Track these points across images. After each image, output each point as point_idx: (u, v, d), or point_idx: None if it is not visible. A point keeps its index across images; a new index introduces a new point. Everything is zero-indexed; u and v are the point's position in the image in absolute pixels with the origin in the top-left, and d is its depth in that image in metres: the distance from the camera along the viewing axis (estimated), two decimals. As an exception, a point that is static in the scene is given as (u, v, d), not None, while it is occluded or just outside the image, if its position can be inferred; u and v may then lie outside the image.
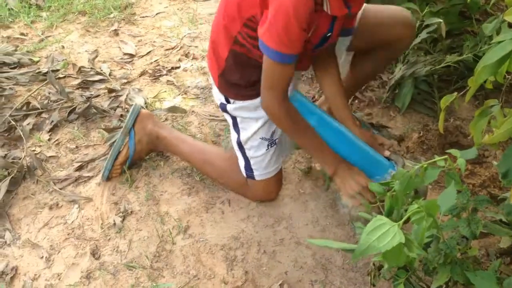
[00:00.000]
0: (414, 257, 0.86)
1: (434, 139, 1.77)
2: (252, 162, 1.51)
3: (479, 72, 0.88)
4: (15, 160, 1.76)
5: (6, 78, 2.12)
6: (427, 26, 1.82)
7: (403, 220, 0.82)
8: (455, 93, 1.18)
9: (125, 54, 2.30)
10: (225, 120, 1.90)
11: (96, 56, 2.27)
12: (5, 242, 1.55)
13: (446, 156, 0.95)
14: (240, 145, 1.51)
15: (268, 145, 1.49)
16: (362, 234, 0.81)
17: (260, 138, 1.47)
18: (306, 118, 1.37)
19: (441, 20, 1.78)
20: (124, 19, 2.52)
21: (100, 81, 2.14)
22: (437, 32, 1.85)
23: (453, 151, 0.99)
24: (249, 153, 1.51)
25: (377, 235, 0.80)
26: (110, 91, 2.07)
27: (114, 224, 1.57)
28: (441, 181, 1.60)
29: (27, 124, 1.90)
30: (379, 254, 0.83)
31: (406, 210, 1.00)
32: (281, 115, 1.32)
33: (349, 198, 1.36)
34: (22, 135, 1.84)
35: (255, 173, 1.53)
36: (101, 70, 2.18)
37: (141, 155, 1.73)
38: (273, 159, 1.51)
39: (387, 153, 1.38)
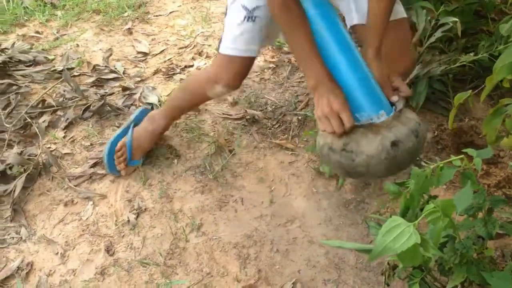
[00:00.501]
0: (429, 257, 0.86)
1: (449, 138, 1.76)
2: (225, 30, 1.46)
3: (498, 71, 0.88)
4: (31, 157, 1.78)
5: (22, 75, 2.14)
6: (442, 25, 1.81)
7: (418, 220, 0.82)
8: (470, 91, 1.17)
9: (139, 52, 2.31)
10: (238, 119, 1.91)
11: (110, 55, 2.29)
12: (21, 238, 1.57)
13: (462, 156, 0.95)
14: (226, 10, 1.47)
15: (245, 17, 1.41)
16: (377, 235, 0.80)
17: (241, 6, 1.41)
18: (317, 18, 1.19)
19: (457, 19, 1.77)
20: (138, 18, 2.54)
21: (114, 79, 2.16)
22: (452, 31, 1.83)
23: (469, 151, 0.98)
24: (227, 20, 1.46)
25: (392, 236, 0.80)
26: (124, 89, 2.08)
27: (128, 221, 1.58)
28: (455, 181, 1.59)
29: (43, 122, 1.92)
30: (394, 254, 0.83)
31: (421, 210, 1.00)
32: (278, 1, 1.20)
33: (317, 120, 1.18)
34: (38, 132, 1.86)
35: (222, 43, 1.46)
36: (115, 68, 2.20)
37: (144, 144, 1.74)
38: (244, 37, 1.42)
39: (395, 98, 1.18)
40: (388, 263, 1.08)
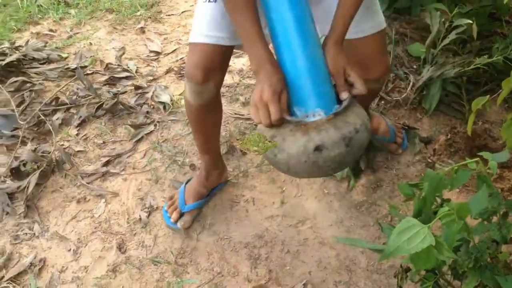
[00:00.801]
0: (443, 260, 0.85)
1: (462, 141, 1.75)
2: (194, 16, 1.34)
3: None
4: (44, 154, 1.79)
5: (36, 73, 2.16)
6: (456, 27, 1.80)
7: (433, 222, 0.81)
8: (487, 96, 1.15)
9: (151, 51, 2.32)
10: (250, 119, 1.91)
11: (123, 53, 2.30)
12: (34, 234, 1.58)
13: (477, 159, 0.94)
14: None
15: None
16: (391, 235, 0.80)
17: None
18: None
19: (471, 21, 1.76)
20: (150, 17, 2.55)
21: (126, 77, 2.17)
22: (466, 33, 1.82)
23: (485, 154, 0.97)
24: (197, 4, 1.33)
25: (406, 236, 0.80)
26: (137, 88, 2.09)
27: (140, 219, 1.59)
28: (468, 184, 1.58)
29: (56, 119, 1.94)
30: (407, 256, 0.83)
31: (434, 213, 1.00)
32: None
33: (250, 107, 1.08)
34: (51, 130, 1.88)
35: (191, 31, 1.32)
36: (128, 67, 2.21)
37: (195, 185, 1.61)
38: (207, 20, 1.27)
39: (344, 95, 1.05)
40: (401, 266, 1.07)
